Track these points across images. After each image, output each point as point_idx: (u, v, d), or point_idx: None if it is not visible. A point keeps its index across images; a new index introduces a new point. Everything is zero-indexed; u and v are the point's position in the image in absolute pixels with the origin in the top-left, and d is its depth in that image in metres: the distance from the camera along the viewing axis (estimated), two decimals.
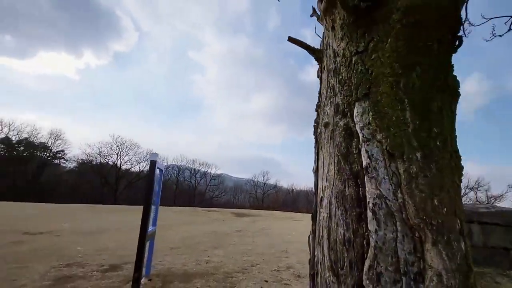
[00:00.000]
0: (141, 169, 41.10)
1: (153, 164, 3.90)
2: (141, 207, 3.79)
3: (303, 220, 20.39)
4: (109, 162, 39.24)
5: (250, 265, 5.41)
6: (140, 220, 3.72)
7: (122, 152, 39.66)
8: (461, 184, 1.15)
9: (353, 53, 1.28)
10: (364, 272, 1.05)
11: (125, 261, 5.19)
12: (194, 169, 51.00)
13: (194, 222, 15.14)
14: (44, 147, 38.50)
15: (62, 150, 39.37)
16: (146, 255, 4.29)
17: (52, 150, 38.88)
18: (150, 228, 4.12)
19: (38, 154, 38.34)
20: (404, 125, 1.09)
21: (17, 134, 36.06)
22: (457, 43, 1.22)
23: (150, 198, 3.84)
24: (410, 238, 1.02)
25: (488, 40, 3.36)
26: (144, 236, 3.69)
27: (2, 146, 35.98)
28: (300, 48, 1.66)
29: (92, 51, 78.49)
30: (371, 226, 1.08)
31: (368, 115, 1.16)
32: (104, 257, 5.56)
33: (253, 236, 9.86)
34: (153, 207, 4.36)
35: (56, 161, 40.67)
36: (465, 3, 1.23)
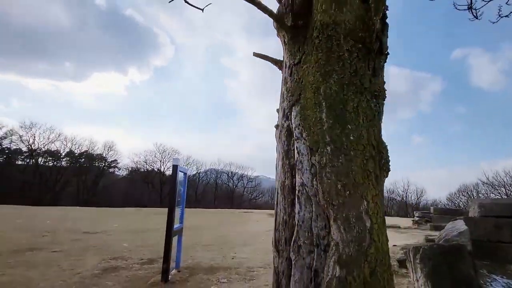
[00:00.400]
0: None
1: (175, 168, 4.40)
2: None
3: None
4: (154, 169, 42.55)
5: None
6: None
7: (164, 159, 42.70)
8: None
9: (292, 65, 1.49)
10: (291, 246, 1.27)
11: (161, 255, 5.81)
12: (231, 172, 52.40)
13: (229, 222, 15.79)
14: (100, 158, 43.25)
15: (115, 160, 43.85)
16: (175, 250, 4.82)
17: (107, 160, 43.52)
18: (176, 226, 4.63)
19: (96, 164, 43.18)
20: (320, 125, 1.28)
21: (78, 147, 41.10)
22: (375, 49, 1.36)
23: (174, 199, 4.33)
24: (322, 217, 1.20)
25: (494, 22, 3.19)
26: (170, 232, 4.19)
27: (67, 158, 41.36)
28: None
29: (136, 68, 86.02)
30: (296, 208, 1.29)
31: (298, 117, 1.37)
32: (144, 252, 6.28)
33: None
34: (179, 207, 4.89)
35: (111, 170, 45.40)
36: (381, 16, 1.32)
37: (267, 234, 10.19)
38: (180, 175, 5.14)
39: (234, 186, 51.92)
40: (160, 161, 42.55)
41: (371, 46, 1.34)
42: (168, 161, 43.24)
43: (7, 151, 37.35)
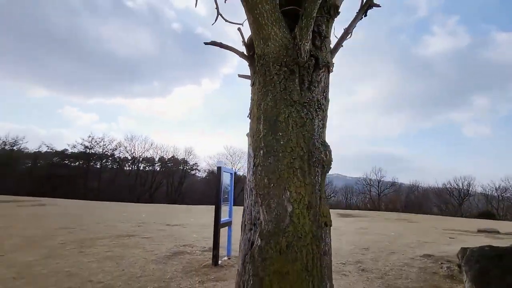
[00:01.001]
0: None
1: (219, 169, 5.14)
2: None
3: (419, 222, 17.63)
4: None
5: None
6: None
7: (234, 161, 45.96)
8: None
9: (251, 86, 1.87)
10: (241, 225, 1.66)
11: (220, 246, 6.71)
12: None
13: None
14: (183, 162, 49.74)
15: (196, 163, 49.72)
16: (227, 240, 5.57)
17: (189, 164, 49.73)
18: (225, 219, 5.36)
19: (181, 167, 49.79)
20: (258, 134, 1.61)
21: (166, 153, 48.25)
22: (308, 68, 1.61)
23: (219, 197, 5.06)
24: (258, 204, 1.53)
25: None
26: (217, 225, 4.93)
27: (159, 163, 49.14)
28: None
29: (208, 78, 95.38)
30: (245, 197, 1.67)
31: (249, 128, 1.74)
32: (208, 242, 7.31)
33: (342, 234, 9.82)
34: (227, 203, 5.62)
35: (192, 172, 51.65)
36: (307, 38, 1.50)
37: None
38: (227, 176, 5.88)
39: None
40: (231, 163, 46.01)
41: (297, 67, 1.60)
42: (238, 162, 46.36)
43: (118, 160, 46.90)
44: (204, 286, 4.00)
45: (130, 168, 47.19)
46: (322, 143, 1.65)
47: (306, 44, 1.61)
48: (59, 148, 41.51)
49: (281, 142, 1.58)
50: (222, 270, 4.65)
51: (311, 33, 1.59)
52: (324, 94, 1.73)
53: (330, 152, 1.66)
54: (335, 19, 2.00)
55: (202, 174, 49.83)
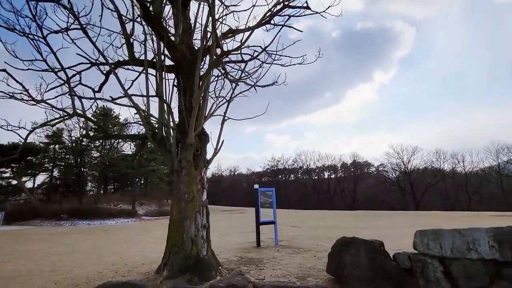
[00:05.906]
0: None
1: (256, 190, 8.53)
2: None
3: None
4: (398, 171, 41.62)
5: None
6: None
7: (408, 157, 40.57)
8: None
9: None
10: None
11: (285, 238, 9.61)
12: None
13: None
14: (356, 166, 50.31)
15: (369, 164, 48.83)
16: (274, 233, 8.65)
17: (363, 168, 49.71)
18: (267, 219, 8.52)
19: (354, 172, 50.22)
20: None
21: (332, 160, 51.19)
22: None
23: (257, 206, 8.37)
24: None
25: None
26: (257, 223, 8.26)
27: (342, 170, 52.82)
28: None
29: (379, 70, 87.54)
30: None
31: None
32: (286, 235, 10.36)
33: None
34: (269, 208, 8.72)
35: (363, 177, 50.65)
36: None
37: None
38: (269, 192, 9.03)
39: None
40: (402, 161, 40.96)
41: (175, 171, 5.14)
42: (413, 158, 40.31)
43: (297, 172, 55.93)
44: (244, 253, 7.39)
45: (310, 177, 54.36)
46: (184, 192, 5.07)
47: (174, 165, 5.18)
48: (257, 169, 57.52)
49: (175, 191, 5.24)
50: (259, 249, 7.86)
51: (175, 162, 5.20)
52: (185, 177, 5.15)
53: (189, 195, 5.04)
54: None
55: (373, 177, 48.19)
